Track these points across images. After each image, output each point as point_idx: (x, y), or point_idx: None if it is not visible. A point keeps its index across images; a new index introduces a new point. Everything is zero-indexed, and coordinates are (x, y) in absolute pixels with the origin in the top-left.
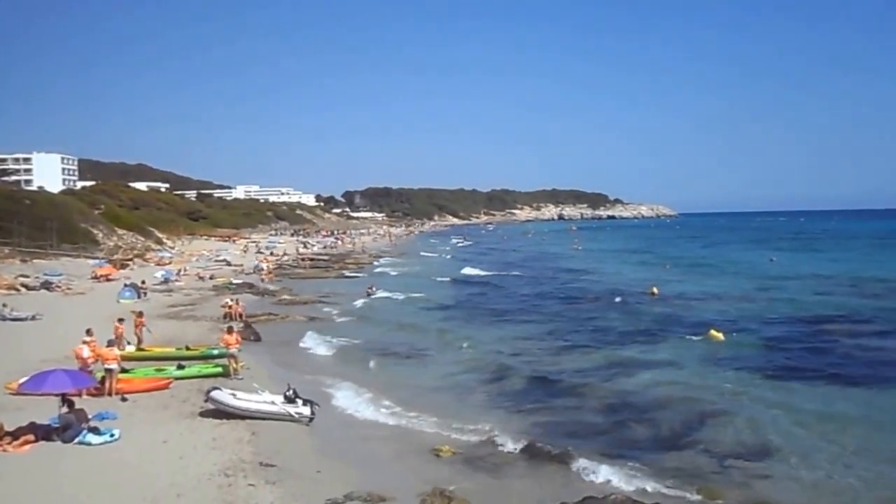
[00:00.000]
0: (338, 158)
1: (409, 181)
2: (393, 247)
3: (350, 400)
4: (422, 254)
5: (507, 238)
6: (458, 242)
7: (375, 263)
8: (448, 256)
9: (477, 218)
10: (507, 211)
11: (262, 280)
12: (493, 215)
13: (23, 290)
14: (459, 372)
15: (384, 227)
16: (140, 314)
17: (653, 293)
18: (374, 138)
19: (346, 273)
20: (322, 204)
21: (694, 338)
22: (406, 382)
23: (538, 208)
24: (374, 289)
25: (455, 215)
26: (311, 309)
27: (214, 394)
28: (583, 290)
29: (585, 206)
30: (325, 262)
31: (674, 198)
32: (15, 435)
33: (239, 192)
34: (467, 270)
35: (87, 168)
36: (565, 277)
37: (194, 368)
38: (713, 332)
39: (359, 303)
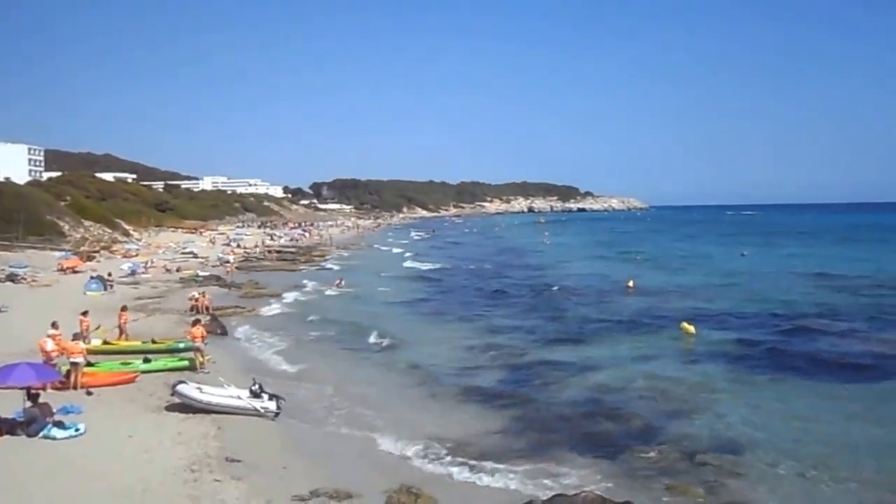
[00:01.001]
0: (306, 150)
1: (379, 173)
2: (360, 238)
3: (314, 395)
4: (376, 246)
5: (475, 231)
6: (418, 236)
7: (327, 258)
8: (402, 251)
9: (446, 210)
10: (477, 203)
11: (227, 273)
12: (462, 208)
13: None
14: (416, 371)
15: (352, 219)
16: (124, 308)
17: (628, 287)
18: (343, 130)
19: (305, 267)
20: (290, 196)
21: (665, 331)
22: (363, 379)
23: (508, 201)
24: (342, 282)
25: (424, 207)
26: (263, 302)
27: (180, 388)
28: (547, 285)
29: (556, 198)
30: (291, 255)
31: (645, 191)
32: None
33: (206, 184)
34: (415, 264)
35: (53, 159)
36: (531, 273)
37: (160, 362)
38: (685, 324)
39: (298, 297)
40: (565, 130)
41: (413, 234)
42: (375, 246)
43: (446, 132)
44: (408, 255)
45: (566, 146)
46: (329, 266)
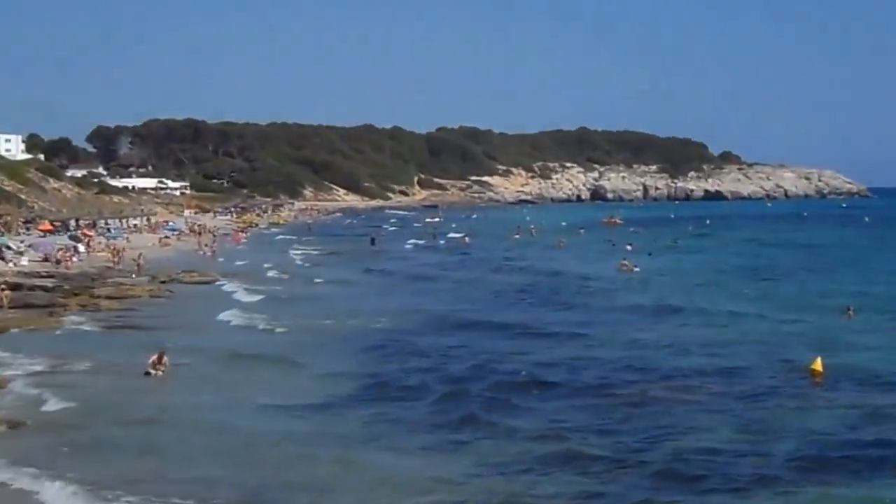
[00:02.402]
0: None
1: (253, 112)
2: (208, 262)
3: None
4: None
5: (469, 257)
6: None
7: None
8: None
9: (411, 195)
10: (476, 179)
11: None
12: (446, 189)
13: None
14: None
15: (188, 210)
16: None
17: (814, 373)
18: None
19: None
20: (41, 157)
21: None
22: None
23: (545, 173)
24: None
25: (355, 188)
26: None
27: None
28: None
29: (654, 168)
30: (46, 295)
31: (856, 163)
32: None
33: None
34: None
35: None
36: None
37: None
38: None
39: None
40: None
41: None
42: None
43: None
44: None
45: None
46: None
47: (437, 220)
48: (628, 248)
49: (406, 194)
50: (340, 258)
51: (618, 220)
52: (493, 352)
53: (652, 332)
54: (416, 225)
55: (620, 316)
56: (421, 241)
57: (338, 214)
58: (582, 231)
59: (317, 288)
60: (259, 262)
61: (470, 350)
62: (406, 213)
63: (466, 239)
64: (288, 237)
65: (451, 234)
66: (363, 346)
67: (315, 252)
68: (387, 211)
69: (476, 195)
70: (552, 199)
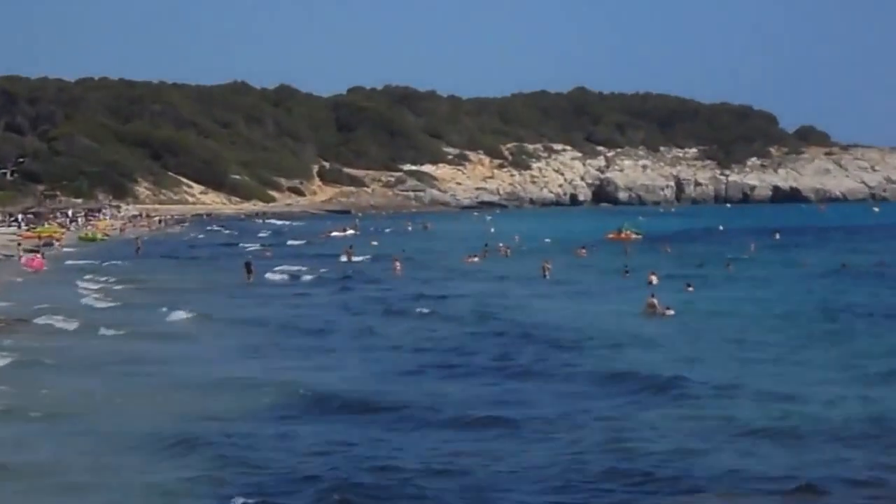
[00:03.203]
0: None
1: (51, 62)
2: None
3: None
4: None
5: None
6: None
7: None
8: None
9: (309, 194)
10: (411, 169)
11: None
12: (363, 185)
13: None
14: None
15: None
16: None
17: None
18: None
19: None
20: None
21: None
22: None
23: (521, 159)
24: None
25: (217, 183)
26: None
27: None
28: None
29: (694, 152)
30: None
31: None
32: None
33: None
34: None
35: None
36: None
37: None
38: None
39: None
40: None
41: None
42: None
43: None
44: None
45: None
46: None
47: (349, 232)
48: (653, 279)
49: (300, 192)
50: (188, 295)
51: (632, 235)
52: (394, 464)
53: (691, 459)
54: (291, 243)
55: (628, 406)
56: (311, 271)
57: (187, 225)
58: (583, 252)
59: (130, 345)
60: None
61: (355, 457)
62: (293, 222)
63: (397, 265)
64: (98, 263)
65: (357, 258)
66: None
67: (132, 288)
68: (264, 220)
69: (411, 194)
70: (531, 201)
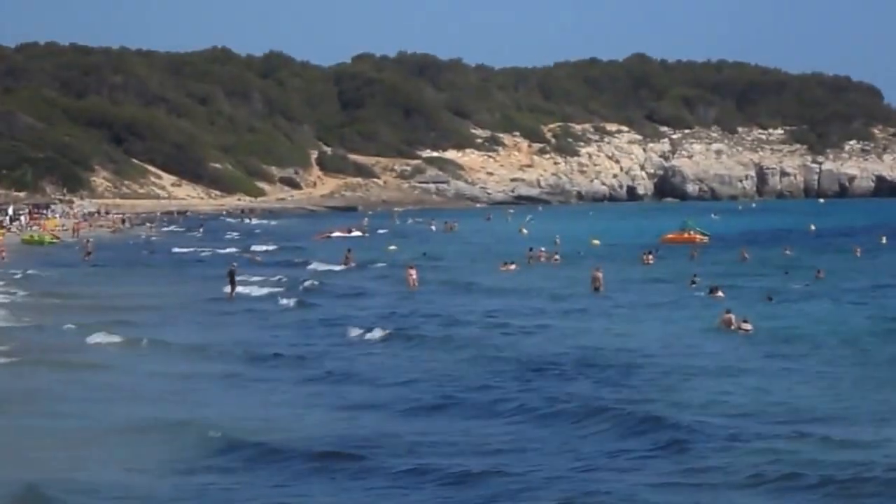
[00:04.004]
0: None
1: None
2: None
3: None
4: None
5: None
6: None
7: None
8: None
9: (306, 186)
10: (431, 156)
11: None
12: (372, 176)
13: None
14: None
15: None
16: None
17: None
18: None
19: None
20: None
21: None
22: None
23: (566, 144)
24: None
25: (194, 174)
26: None
27: None
28: None
29: (780, 133)
30: None
31: None
32: None
33: None
34: None
35: None
36: None
37: None
38: None
39: None
40: None
41: None
42: None
43: None
44: None
45: None
46: None
47: (354, 233)
48: (719, 294)
49: (295, 185)
50: (125, 313)
51: (698, 236)
52: None
53: None
54: (249, 250)
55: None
56: (267, 283)
57: (156, 225)
58: (650, 258)
59: (19, 377)
60: None
61: None
62: (273, 221)
63: (412, 274)
64: (22, 273)
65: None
66: None
67: (55, 303)
68: (251, 219)
69: (431, 186)
70: (580, 195)
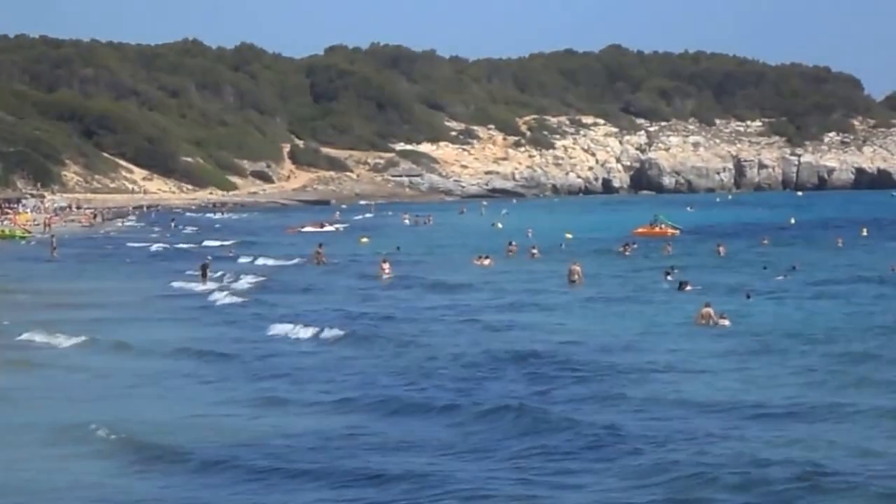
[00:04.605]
0: None
1: None
2: None
3: None
4: None
5: None
6: None
7: None
8: None
9: (279, 179)
10: (405, 148)
11: None
12: (346, 169)
13: None
14: None
15: None
16: None
17: None
18: None
19: None
20: None
21: None
22: None
23: (541, 137)
24: None
25: (165, 167)
26: None
27: None
28: None
29: (758, 125)
30: None
31: None
32: None
33: None
34: None
35: None
36: None
37: None
38: None
39: None
40: None
41: None
42: None
43: None
44: None
45: None
46: None
47: (328, 227)
48: (688, 288)
49: (268, 178)
50: (74, 311)
51: (669, 230)
52: None
53: None
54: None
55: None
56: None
57: (131, 219)
58: (628, 250)
59: None
60: None
61: None
62: (248, 215)
63: (385, 268)
64: None
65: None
66: None
67: None
68: (224, 213)
69: (405, 179)
70: (555, 188)
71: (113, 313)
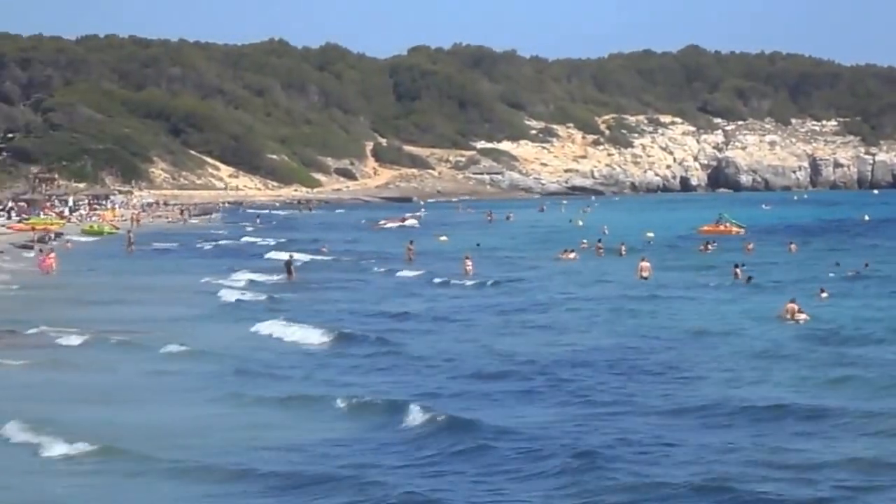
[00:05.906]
0: None
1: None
2: None
3: None
4: None
5: None
6: None
7: None
8: None
9: (362, 177)
10: (486, 147)
11: None
12: (427, 167)
13: None
14: None
15: None
16: None
17: None
18: None
19: None
20: None
21: None
22: None
23: (619, 136)
24: None
25: (251, 165)
26: None
27: None
28: None
29: (833, 125)
30: None
31: None
32: None
33: None
34: None
35: None
36: None
37: None
38: None
39: None
40: None
41: None
42: None
43: None
44: None
45: None
46: None
47: (408, 223)
48: (737, 272)
49: (351, 176)
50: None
51: (733, 228)
52: None
53: None
54: (249, 244)
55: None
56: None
57: (216, 216)
58: (710, 248)
59: None
60: None
61: None
62: (330, 210)
63: (468, 263)
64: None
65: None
66: None
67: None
68: (312, 210)
69: (486, 177)
70: (633, 186)
71: (152, 311)
